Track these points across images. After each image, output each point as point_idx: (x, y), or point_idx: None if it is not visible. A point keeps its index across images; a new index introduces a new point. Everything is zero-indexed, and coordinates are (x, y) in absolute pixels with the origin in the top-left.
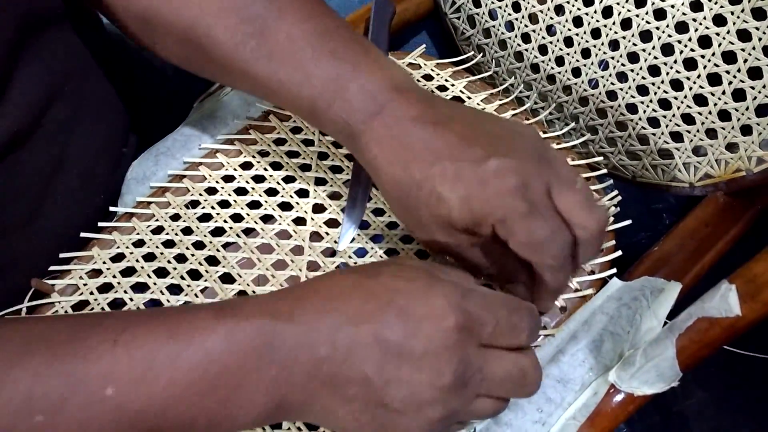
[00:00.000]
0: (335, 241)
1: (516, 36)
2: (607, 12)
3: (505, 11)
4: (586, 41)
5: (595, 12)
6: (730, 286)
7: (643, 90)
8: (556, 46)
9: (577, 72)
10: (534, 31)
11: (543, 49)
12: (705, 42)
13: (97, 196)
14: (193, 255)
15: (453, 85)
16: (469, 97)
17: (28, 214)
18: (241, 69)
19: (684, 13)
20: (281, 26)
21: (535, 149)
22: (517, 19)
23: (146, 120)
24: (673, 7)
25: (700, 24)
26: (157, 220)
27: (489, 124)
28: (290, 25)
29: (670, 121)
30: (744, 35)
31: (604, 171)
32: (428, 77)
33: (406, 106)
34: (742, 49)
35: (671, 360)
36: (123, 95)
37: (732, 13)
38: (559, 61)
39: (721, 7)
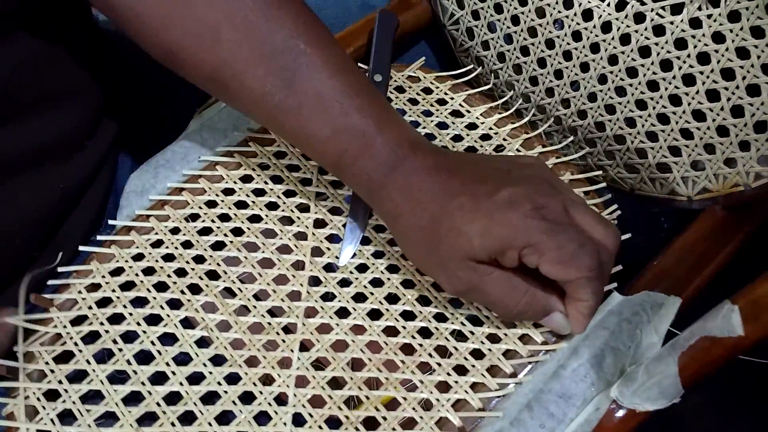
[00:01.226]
0: (336, 257)
1: (515, 49)
2: (606, 27)
3: (504, 24)
4: (585, 55)
5: (594, 27)
6: (733, 306)
7: (641, 104)
8: (555, 59)
9: (575, 85)
10: (533, 44)
11: (542, 63)
12: (704, 59)
13: (54, 183)
14: (193, 269)
15: (452, 98)
16: (469, 111)
17: None
18: (269, 116)
19: (683, 30)
20: (310, 80)
21: (544, 177)
22: (516, 32)
23: (142, 131)
24: (672, 23)
25: (699, 41)
26: (156, 233)
27: (498, 163)
28: (318, 81)
29: (669, 135)
30: (743, 53)
31: (604, 185)
32: (428, 90)
33: (423, 158)
34: (741, 67)
35: (673, 377)
36: (93, 88)
37: (731, 31)
38: (558, 74)
39: (720, 24)
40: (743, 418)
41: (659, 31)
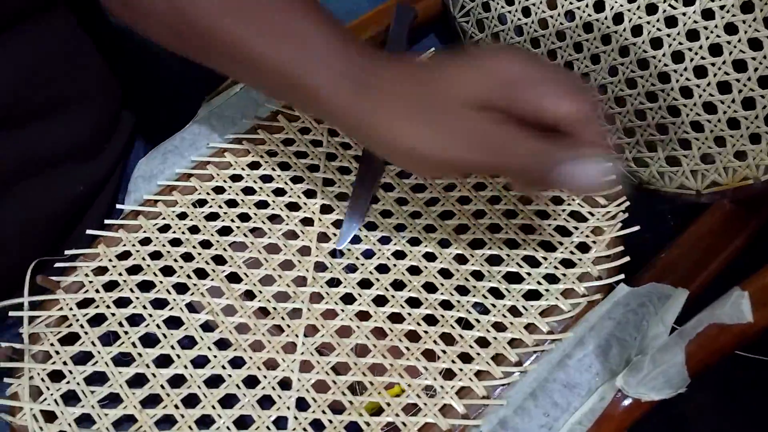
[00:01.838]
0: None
1: (525, 41)
2: (618, 19)
3: (514, 16)
4: (596, 47)
5: (606, 18)
6: (743, 293)
7: (652, 96)
8: (565, 51)
9: (585, 77)
10: (543, 36)
11: (552, 55)
12: (716, 50)
13: (73, 184)
14: (199, 254)
15: None
16: None
17: None
18: (225, 41)
19: (695, 21)
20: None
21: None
22: (526, 24)
23: (153, 117)
24: (684, 14)
25: (711, 32)
26: (164, 218)
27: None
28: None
29: (679, 128)
30: (755, 44)
31: (613, 176)
32: None
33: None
34: (753, 58)
35: (680, 366)
36: (110, 89)
37: (744, 22)
38: (568, 66)
39: (733, 15)
40: (746, 417)
41: (671, 22)
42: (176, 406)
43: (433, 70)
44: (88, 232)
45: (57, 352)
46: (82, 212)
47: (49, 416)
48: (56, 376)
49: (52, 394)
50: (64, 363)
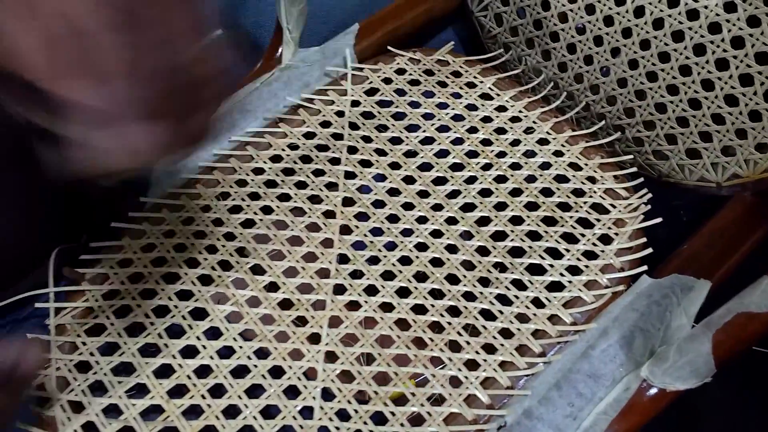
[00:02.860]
0: (365, 234)
1: (544, 35)
2: (639, 11)
3: (534, 10)
4: (617, 40)
5: (627, 11)
6: None
7: (673, 90)
8: (585, 45)
9: (605, 71)
10: (563, 30)
11: (571, 48)
12: (738, 43)
13: None
14: (223, 246)
15: (482, 81)
16: (498, 94)
17: None
18: None
19: (717, 14)
20: None
21: None
22: (546, 17)
23: None
24: (706, 7)
25: (734, 25)
26: (187, 210)
27: None
28: None
29: (700, 120)
30: None
31: (634, 169)
32: (457, 74)
33: None
34: None
35: (706, 355)
36: None
37: (766, 14)
38: (588, 60)
39: (756, 8)
40: (761, 412)
41: (693, 15)
42: (203, 396)
43: None
44: (113, 224)
45: (84, 344)
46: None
47: (77, 407)
48: (83, 367)
49: (79, 385)
50: (91, 354)
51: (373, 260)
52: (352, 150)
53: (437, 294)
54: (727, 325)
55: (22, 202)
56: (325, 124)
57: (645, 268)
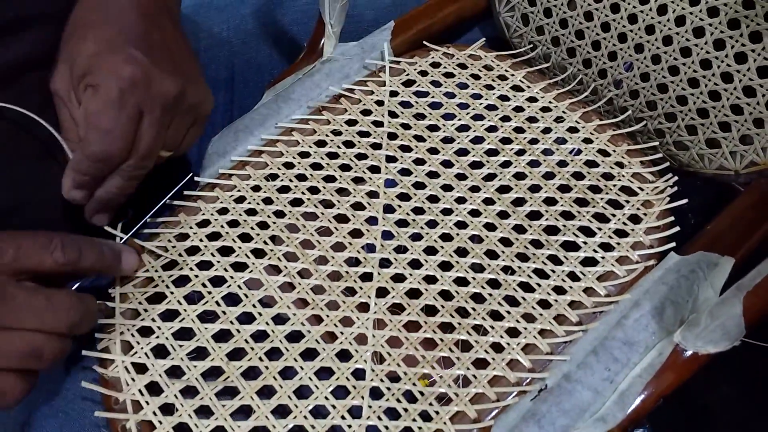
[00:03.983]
0: (407, 213)
1: (570, 33)
2: (662, 10)
3: (560, 9)
4: (640, 37)
5: (650, 9)
6: None
7: (693, 83)
8: (609, 42)
9: (628, 66)
10: (588, 28)
11: (596, 45)
12: (755, 37)
13: None
14: (274, 222)
15: (513, 75)
16: (528, 86)
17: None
18: None
19: (736, 11)
20: None
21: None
22: (571, 16)
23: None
24: (725, 5)
25: (752, 21)
26: (239, 190)
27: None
28: None
29: (719, 111)
30: None
31: (660, 155)
32: (489, 67)
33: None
34: None
35: (738, 318)
36: None
37: None
38: (612, 56)
39: None
40: None
41: (713, 12)
42: (260, 359)
43: None
44: (169, 202)
45: (145, 310)
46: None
47: (140, 368)
48: (145, 332)
49: (142, 348)
50: (153, 320)
51: (416, 237)
52: (392, 136)
53: (478, 268)
54: (757, 287)
55: None
56: (366, 113)
57: (673, 244)
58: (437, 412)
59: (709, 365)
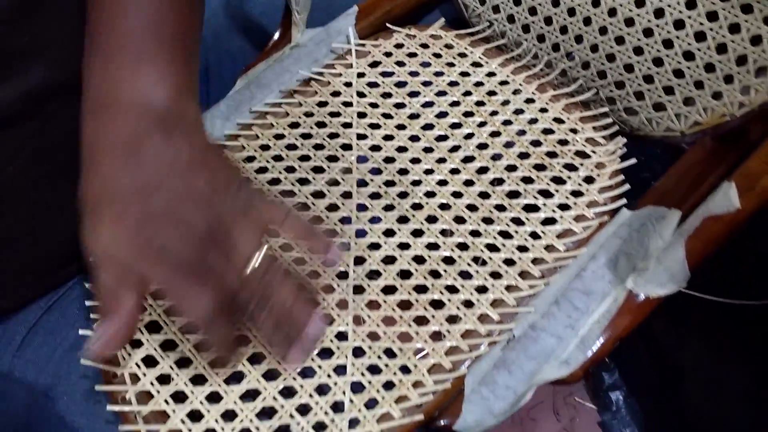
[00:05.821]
0: (380, 186)
1: (524, 10)
2: None
3: None
4: (588, 11)
5: None
6: (730, 183)
7: (638, 51)
8: (560, 16)
9: (579, 39)
10: (540, 5)
11: (548, 21)
12: (691, 5)
13: None
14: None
15: (472, 52)
16: (487, 62)
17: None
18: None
19: None
20: None
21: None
22: None
23: None
24: None
25: None
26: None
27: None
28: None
29: (663, 76)
30: None
31: (610, 120)
32: (449, 46)
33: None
34: (723, 9)
35: (681, 261)
36: None
37: None
38: (563, 29)
39: None
40: (741, 363)
41: None
42: (249, 329)
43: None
44: None
45: None
46: None
47: (136, 344)
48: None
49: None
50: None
51: (389, 208)
52: (361, 115)
53: (447, 233)
54: (697, 231)
55: None
56: (336, 94)
57: (624, 201)
58: (416, 365)
59: (663, 312)
